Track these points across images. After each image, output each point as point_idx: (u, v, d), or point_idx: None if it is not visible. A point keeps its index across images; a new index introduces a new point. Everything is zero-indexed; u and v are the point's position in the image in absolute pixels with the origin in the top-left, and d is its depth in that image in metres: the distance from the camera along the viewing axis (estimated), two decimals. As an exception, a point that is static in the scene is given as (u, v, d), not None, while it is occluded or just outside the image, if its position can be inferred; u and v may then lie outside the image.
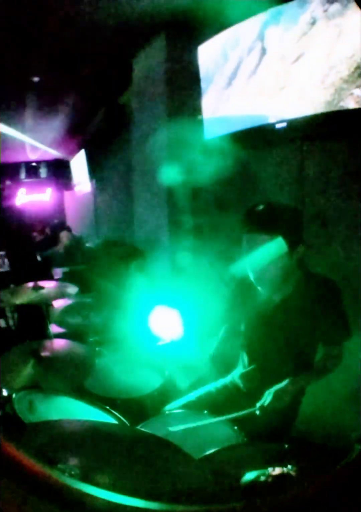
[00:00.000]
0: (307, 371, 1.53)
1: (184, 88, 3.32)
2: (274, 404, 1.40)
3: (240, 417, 1.43)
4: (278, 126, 2.44)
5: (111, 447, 0.91)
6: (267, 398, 1.42)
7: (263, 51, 2.51)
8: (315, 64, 2.20)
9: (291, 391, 1.44)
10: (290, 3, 2.27)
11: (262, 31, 2.49)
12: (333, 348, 1.55)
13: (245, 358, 1.70)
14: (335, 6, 2.06)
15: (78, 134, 6.77)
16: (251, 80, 2.62)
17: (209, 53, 2.96)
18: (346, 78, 2.03)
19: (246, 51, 2.62)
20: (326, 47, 2.13)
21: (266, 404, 1.40)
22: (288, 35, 2.32)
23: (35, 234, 7.99)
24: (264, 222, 1.42)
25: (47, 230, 8.07)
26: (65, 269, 4.67)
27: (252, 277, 1.51)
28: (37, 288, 2.22)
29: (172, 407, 1.65)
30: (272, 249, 1.41)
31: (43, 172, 10.10)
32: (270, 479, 0.91)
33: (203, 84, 3.04)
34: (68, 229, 7.39)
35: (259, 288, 1.56)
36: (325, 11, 2.11)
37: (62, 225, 7.58)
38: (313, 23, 2.18)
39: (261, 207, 1.47)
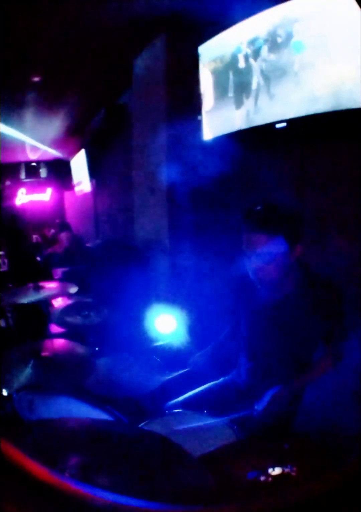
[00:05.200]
0: (304, 370, 1.54)
1: (184, 88, 3.32)
2: (271, 408, 1.42)
3: (239, 418, 1.44)
4: (278, 126, 2.44)
5: (111, 446, 0.91)
6: (264, 401, 1.44)
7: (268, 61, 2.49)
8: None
9: (287, 395, 1.45)
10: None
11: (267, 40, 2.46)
12: (331, 347, 1.56)
13: (244, 356, 1.71)
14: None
15: (78, 134, 6.76)
16: (254, 88, 2.61)
17: (210, 56, 2.95)
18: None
19: (250, 58, 2.61)
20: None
21: (262, 407, 1.42)
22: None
23: (35, 234, 7.99)
24: (264, 221, 1.43)
25: (47, 231, 8.07)
26: (65, 269, 4.67)
27: (252, 275, 1.51)
28: (37, 288, 2.22)
29: (172, 406, 1.65)
30: (271, 248, 1.41)
31: (43, 172, 10.09)
32: (270, 479, 0.91)
33: (203, 89, 3.03)
34: (68, 228, 7.38)
35: (259, 286, 1.57)
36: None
37: (64, 225, 7.56)
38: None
39: (260, 206, 1.48)
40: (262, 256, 1.42)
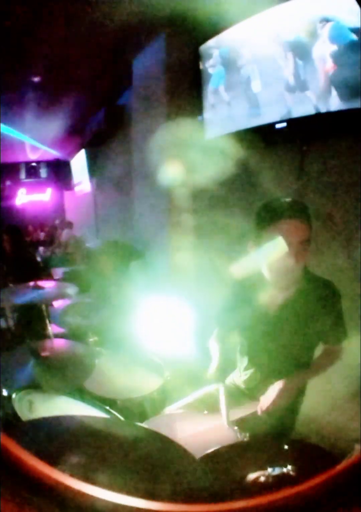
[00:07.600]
0: (305, 369, 1.55)
1: (183, 88, 3.32)
2: (276, 402, 1.41)
3: (239, 419, 1.44)
4: (278, 126, 2.44)
5: (112, 445, 0.91)
6: (268, 395, 1.44)
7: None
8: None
9: (290, 388, 1.45)
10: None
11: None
12: (330, 348, 1.56)
13: (244, 358, 1.70)
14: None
15: (78, 134, 6.77)
16: (252, 86, 2.62)
17: (210, 55, 2.96)
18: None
19: (250, 59, 2.61)
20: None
21: (267, 402, 1.42)
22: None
23: (36, 234, 8.00)
24: (299, 210, 1.42)
25: (48, 230, 8.08)
26: (65, 269, 4.67)
27: (269, 271, 1.47)
28: (37, 288, 2.22)
29: (173, 407, 1.65)
30: (303, 235, 1.39)
31: (43, 172, 10.10)
32: (270, 479, 0.91)
33: (204, 85, 3.04)
34: (70, 225, 7.38)
35: (266, 284, 1.54)
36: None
37: (67, 224, 7.55)
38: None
39: (289, 198, 1.48)
40: (298, 244, 1.40)
